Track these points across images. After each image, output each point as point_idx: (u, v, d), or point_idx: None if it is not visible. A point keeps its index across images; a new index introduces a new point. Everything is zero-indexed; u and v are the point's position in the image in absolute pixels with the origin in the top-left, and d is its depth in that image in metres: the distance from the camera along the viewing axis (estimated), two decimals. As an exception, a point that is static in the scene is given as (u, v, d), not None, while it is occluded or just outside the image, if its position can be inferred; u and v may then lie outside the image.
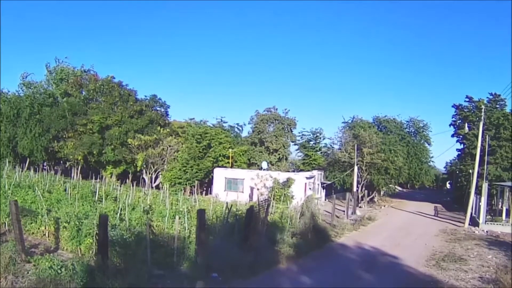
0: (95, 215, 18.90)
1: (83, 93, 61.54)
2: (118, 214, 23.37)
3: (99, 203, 28.33)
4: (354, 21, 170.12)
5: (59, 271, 14.25)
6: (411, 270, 20.84)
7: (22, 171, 43.76)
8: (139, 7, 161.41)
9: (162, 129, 60.69)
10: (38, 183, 34.26)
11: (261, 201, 26.14)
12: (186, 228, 21.30)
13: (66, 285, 13.62)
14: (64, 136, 56.87)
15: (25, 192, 27.60)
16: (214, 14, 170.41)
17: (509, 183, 44.86)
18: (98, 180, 45.29)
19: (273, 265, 19.38)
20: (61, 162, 62.69)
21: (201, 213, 18.18)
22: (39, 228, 20.44)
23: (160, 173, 58.01)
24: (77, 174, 54.69)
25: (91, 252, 17.20)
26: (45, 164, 61.37)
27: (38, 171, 48.99)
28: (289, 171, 57.98)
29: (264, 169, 54.25)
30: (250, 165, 64.19)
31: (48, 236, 19.91)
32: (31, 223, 20.65)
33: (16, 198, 22.82)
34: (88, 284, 13.79)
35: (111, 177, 55.96)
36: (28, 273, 14.46)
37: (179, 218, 20.35)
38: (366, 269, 20.55)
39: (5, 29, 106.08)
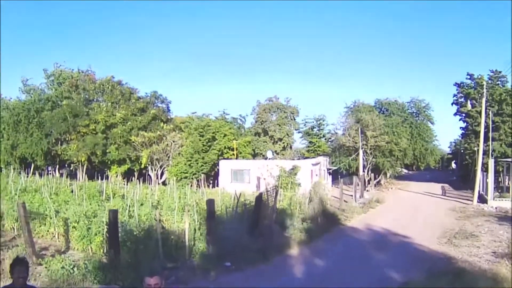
0: (104, 213, 18.85)
1: (82, 94, 61.29)
2: (127, 211, 23.33)
3: (107, 202, 28.26)
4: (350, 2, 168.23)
5: (71, 271, 14.22)
6: (424, 248, 20.81)
7: (27, 176, 43.75)
8: (134, 2, 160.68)
9: (165, 125, 60.65)
10: (44, 186, 34.22)
11: (269, 189, 26.07)
12: (196, 220, 21.25)
13: (79, 284, 13.61)
14: (66, 138, 56.85)
15: (32, 195, 27.56)
16: (208, 4, 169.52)
17: (515, 159, 44.81)
18: (104, 180, 45.27)
19: (285, 250, 19.40)
20: (66, 165, 62.72)
21: (210, 202, 18.21)
22: (48, 230, 20.37)
23: (165, 169, 57.95)
24: (82, 175, 54.72)
25: (102, 250, 17.15)
26: (49, 168, 61.39)
27: (43, 175, 48.96)
28: (294, 159, 57.90)
29: (269, 159, 54.18)
30: (255, 155, 64.17)
31: (58, 238, 19.83)
32: (40, 225, 20.55)
33: (24, 201, 22.80)
34: (102, 280, 13.78)
35: (116, 176, 55.95)
36: (40, 275, 14.40)
37: (188, 210, 20.31)
38: (379, 249, 20.53)
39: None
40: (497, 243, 21.97)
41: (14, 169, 51.81)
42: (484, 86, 44.50)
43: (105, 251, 16.46)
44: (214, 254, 16.87)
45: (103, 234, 17.32)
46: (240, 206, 24.08)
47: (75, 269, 14.31)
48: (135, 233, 17.41)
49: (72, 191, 32.33)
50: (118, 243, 15.24)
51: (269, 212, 22.30)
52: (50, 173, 57.80)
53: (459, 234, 24.26)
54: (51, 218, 20.65)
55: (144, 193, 35.38)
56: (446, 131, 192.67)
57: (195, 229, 19.41)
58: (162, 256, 16.20)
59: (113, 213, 15.31)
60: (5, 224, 21.25)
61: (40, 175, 48.63)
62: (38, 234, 20.05)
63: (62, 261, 14.77)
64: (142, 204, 26.58)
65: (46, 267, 14.84)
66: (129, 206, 24.06)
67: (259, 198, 21.54)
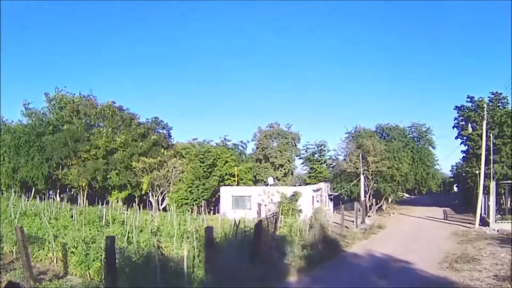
0: (103, 239, 18.76)
1: (83, 119, 61.42)
2: (126, 237, 23.23)
3: (106, 227, 28.21)
4: (349, 24, 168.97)
5: (68, 297, 14.13)
6: (426, 274, 20.55)
7: (27, 200, 43.71)
8: (135, 30, 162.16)
9: (166, 151, 60.75)
10: (44, 210, 34.20)
11: (269, 216, 25.93)
12: (195, 247, 21.10)
13: (76, 310, 13.50)
14: (67, 163, 56.87)
15: (31, 219, 27.54)
16: (210, 32, 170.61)
17: (517, 181, 44.73)
18: (104, 205, 45.16)
19: (284, 277, 19.13)
20: (67, 189, 62.65)
21: (209, 230, 18.06)
22: (46, 255, 20.33)
23: (166, 195, 57.84)
24: (83, 200, 54.60)
25: (100, 276, 17.06)
26: (50, 192, 61.35)
27: (44, 199, 48.92)
28: (295, 185, 57.84)
29: (270, 185, 54.14)
30: (256, 182, 64.18)
31: (56, 262, 19.78)
32: (39, 250, 20.54)
33: (22, 225, 22.72)
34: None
35: (117, 201, 55.82)
36: (37, 300, 14.31)
37: (188, 237, 20.21)
38: (380, 275, 20.27)
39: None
40: (499, 266, 21.85)
41: (15, 192, 51.85)
42: (485, 109, 44.56)
43: (103, 277, 16.34)
44: (213, 282, 16.70)
45: (101, 260, 17.22)
46: (240, 233, 23.92)
47: (72, 294, 14.20)
48: (133, 260, 17.29)
49: (72, 216, 32.31)
50: (115, 270, 15.09)
51: (269, 239, 22.15)
52: (50, 197, 57.73)
53: (461, 258, 24.08)
54: (49, 242, 20.59)
55: (144, 219, 35.30)
56: (447, 153, 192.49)
57: (194, 256, 19.26)
58: (160, 283, 16.01)
59: (111, 240, 15.19)
60: (4, 247, 21.23)
61: (41, 199, 48.66)
62: (36, 258, 20.02)
63: (60, 286, 14.72)
64: (141, 231, 26.53)
65: (43, 292, 14.77)
66: (128, 232, 23.97)
67: (258, 225, 21.38)
